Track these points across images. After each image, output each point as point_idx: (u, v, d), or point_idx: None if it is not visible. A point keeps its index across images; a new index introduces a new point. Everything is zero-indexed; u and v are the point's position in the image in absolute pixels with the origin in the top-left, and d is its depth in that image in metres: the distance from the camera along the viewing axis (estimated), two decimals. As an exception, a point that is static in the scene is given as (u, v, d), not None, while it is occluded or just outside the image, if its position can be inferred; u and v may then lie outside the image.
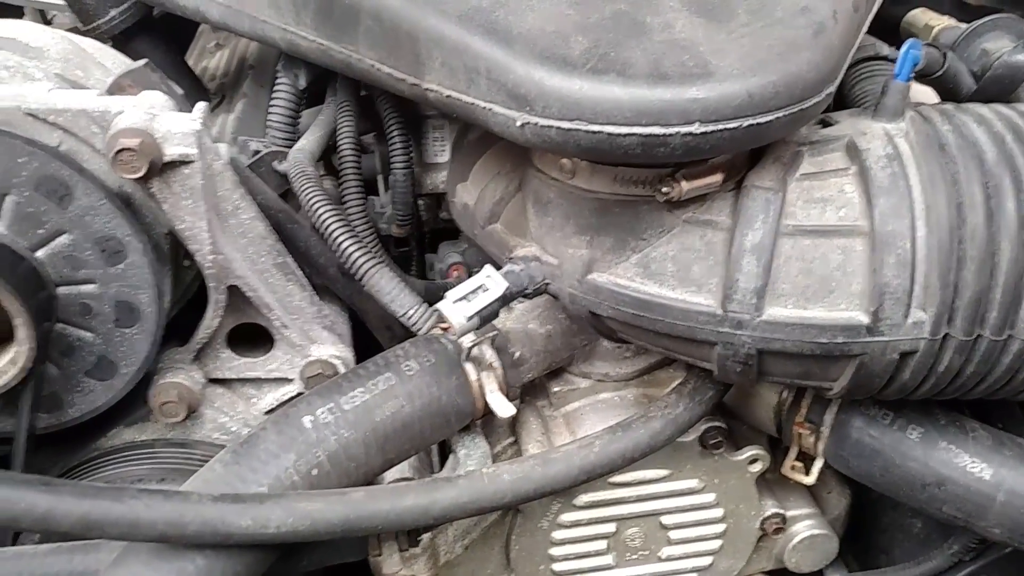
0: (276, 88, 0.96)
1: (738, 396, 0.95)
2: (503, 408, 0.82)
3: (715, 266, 0.70)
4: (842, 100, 1.01)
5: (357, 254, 0.80)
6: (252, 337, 0.97)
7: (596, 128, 0.62)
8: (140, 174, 0.75)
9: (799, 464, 0.92)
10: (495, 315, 0.76)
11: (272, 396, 0.99)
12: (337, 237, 0.81)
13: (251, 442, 0.76)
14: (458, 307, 0.73)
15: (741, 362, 0.72)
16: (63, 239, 0.81)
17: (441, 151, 1.00)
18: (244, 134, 1.13)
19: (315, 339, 0.96)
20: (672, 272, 0.71)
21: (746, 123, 0.61)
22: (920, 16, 1.34)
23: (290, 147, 0.95)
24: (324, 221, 0.82)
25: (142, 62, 0.85)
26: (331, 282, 1.00)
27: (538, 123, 0.64)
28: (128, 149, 0.73)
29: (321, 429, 0.76)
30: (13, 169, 0.77)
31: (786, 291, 0.69)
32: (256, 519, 0.67)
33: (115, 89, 0.83)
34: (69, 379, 0.87)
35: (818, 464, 0.91)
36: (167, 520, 0.65)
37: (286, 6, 0.81)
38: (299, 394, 0.97)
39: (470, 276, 1.03)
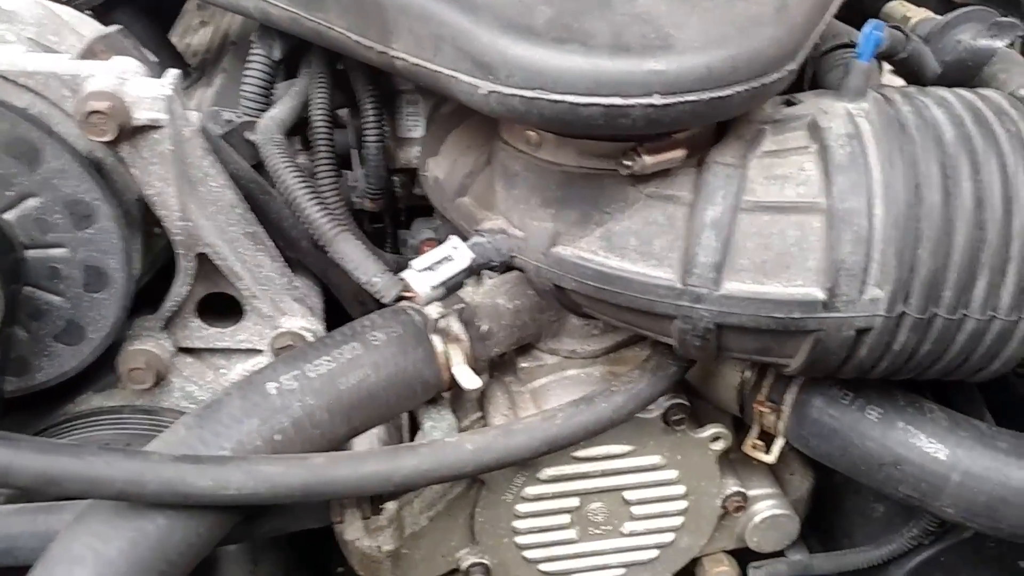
0: (250, 59, 0.96)
1: (702, 375, 0.96)
2: (469, 380, 0.83)
3: (676, 240, 0.71)
4: (818, 87, 1.02)
5: (321, 220, 0.80)
6: (223, 308, 0.97)
7: (558, 97, 0.62)
8: (109, 137, 0.75)
9: (760, 443, 0.93)
10: (460, 286, 0.76)
11: (241, 367, 1.00)
12: (302, 203, 0.81)
13: (215, 407, 0.76)
14: (423, 276, 0.74)
15: (700, 336, 0.73)
16: (32, 201, 0.81)
17: (415, 126, 1.00)
18: (222, 107, 1.14)
19: (285, 310, 0.97)
20: (634, 246, 0.72)
21: (706, 96, 0.62)
22: (898, 8, 1.36)
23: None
24: (289, 187, 0.82)
25: (115, 28, 0.85)
26: (303, 255, 1.00)
27: (502, 92, 0.64)
28: (98, 112, 0.74)
29: (286, 396, 0.77)
30: (-18, 130, 0.78)
31: (744, 266, 0.69)
32: (216, 480, 0.68)
33: (87, 54, 0.84)
34: (37, 343, 0.88)
35: (779, 443, 0.92)
36: (126, 478, 0.65)
37: (259, -25, 0.81)
38: (269, 365, 0.98)
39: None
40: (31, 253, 0.83)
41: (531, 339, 0.94)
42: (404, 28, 0.69)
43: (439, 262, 0.75)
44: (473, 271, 0.76)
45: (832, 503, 1.15)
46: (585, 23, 0.63)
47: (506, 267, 0.80)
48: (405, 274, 0.75)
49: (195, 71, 1.29)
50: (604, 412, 0.82)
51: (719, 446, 0.94)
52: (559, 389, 0.95)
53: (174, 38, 1.43)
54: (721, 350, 0.75)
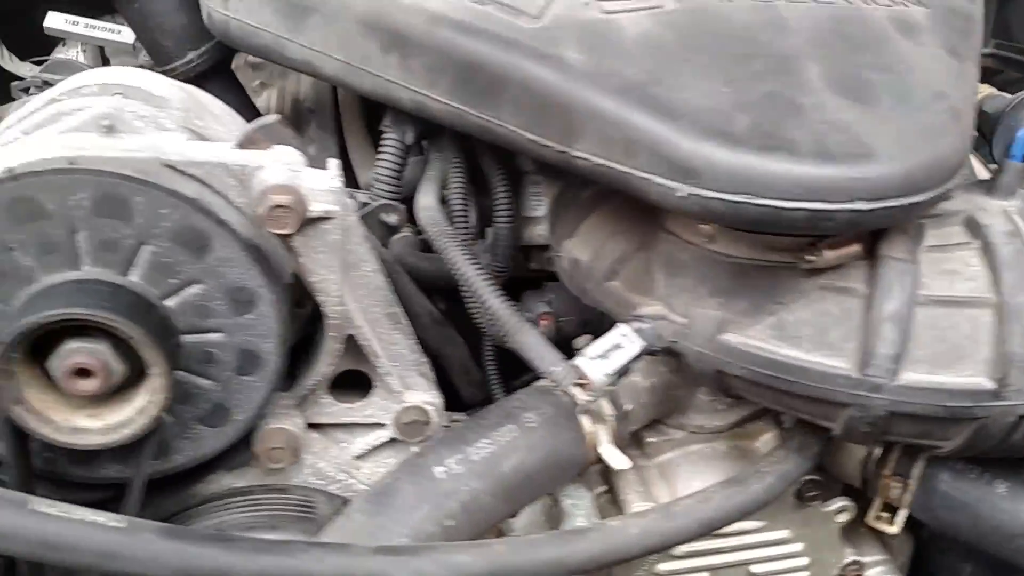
0: (383, 143, 0.98)
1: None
2: (618, 461, 0.85)
3: (852, 331, 0.74)
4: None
5: (506, 312, 0.82)
6: (346, 381, 0.98)
7: (765, 202, 0.65)
8: (291, 230, 0.76)
9: (884, 515, 0.96)
10: (628, 372, 0.79)
11: (363, 441, 1.00)
12: (484, 295, 0.84)
13: (387, 492, 0.77)
14: (597, 364, 0.76)
15: (870, 423, 0.75)
16: (195, 288, 0.82)
17: (538, 205, 1.03)
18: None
19: (411, 385, 0.97)
20: (808, 336, 0.75)
21: (906, 202, 0.65)
22: (960, 82, 1.42)
23: (397, 199, 0.98)
24: (470, 279, 0.85)
25: (275, 117, 0.86)
26: (422, 329, 1.02)
27: (702, 195, 0.67)
28: (282, 206, 0.75)
29: (453, 480, 0.78)
30: (154, 220, 0.78)
31: (920, 357, 0.73)
32: (413, 572, 0.69)
33: (247, 143, 0.85)
34: (181, 426, 0.88)
35: (902, 514, 0.95)
36: (336, 574, 0.66)
37: (419, 69, 0.83)
38: (391, 439, 0.99)
39: (557, 325, 1.07)
40: (188, 338, 0.84)
41: (663, 415, 0.96)
42: (592, 131, 0.72)
43: (611, 349, 0.77)
44: (641, 357, 0.78)
45: (920, 563, 1.18)
46: (786, 131, 0.66)
47: (664, 352, 0.82)
48: (579, 362, 0.77)
49: (280, 140, 1.30)
50: (758, 493, 0.84)
51: (844, 518, 0.97)
52: (686, 464, 0.97)
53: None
54: (885, 434, 0.78)
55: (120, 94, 0.89)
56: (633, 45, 0.75)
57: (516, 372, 1.11)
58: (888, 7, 0.84)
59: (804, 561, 0.98)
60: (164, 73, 1.18)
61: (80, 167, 0.76)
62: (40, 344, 0.76)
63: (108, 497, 0.87)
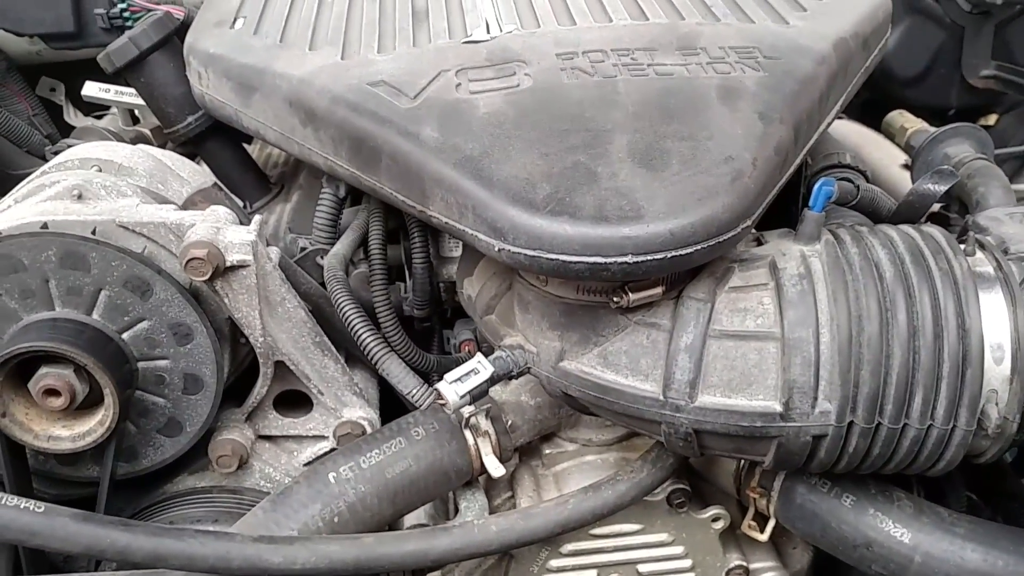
0: (321, 196, 1.16)
1: (705, 462, 1.10)
2: (495, 469, 0.99)
3: (659, 360, 0.86)
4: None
5: (372, 344, 0.98)
6: (295, 400, 1.16)
7: (553, 256, 0.79)
8: (206, 277, 0.94)
9: (754, 524, 1.06)
10: (484, 394, 0.92)
11: (310, 450, 1.17)
12: (358, 330, 1.00)
13: (286, 493, 0.94)
14: (453, 387, 0.90)
15: (682, 439, 0.87)
16: (143, 324, 1.01)
17: (455, 247, 1.18)
18: (298, 223, 1.34)
19: (346, 403, 1.14)
20: (625, 363, 0.87)
21: (669, 255, 0.77)
22: (897, 118, 1.50)
23: (331, 244, 1.14)
24: (348, 317, 1.01)
25: (210, 182, 1.05)
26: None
27: (510, 250, 0.81)
28: (197, 258, 0.93)
29: (343, 484, 0.94)
30: (107, 270, 0.98)
31: (714, 383, 0.84)
32: (286, 557, 0.85)
33: (188, 204, 1.04)
34: (144, 435, 1.07)
35: (771, 523, 1.05)
36: (217, 556, 0.82)
37: (327, 140, 1.00)
38: (332, 449, 1.16)
39: (480, 350, 1.21)
40: (141, 364, 1.03)
41: (553, 429, 1.10)
42: (438, 196, 0.87)
43: (467, 374, 0.92)
44: (495, 381, 0.92)
45: (843, 573, 1.26)
46: (575, 198, 0.79)
47: (521, 375, 0.95)
48: (439, 385, 0.91)
49: (275, 186, 1.50)
50: (609, 498, 0.96)
51: (719, 525, 1.08)
52: (578, 473, 1.10)
53: (254, 149, 1.65)
54: (702, 448, 0.89)
55: (96, 167, 1.09)
56: (479, 123, 0.89)
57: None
58: (725, 74, 0.95)
59: (687, 563, 1.09)
60: (169, 134, 1.40)
61: (49, 230, 0.96)
62: (25, 368, 0.97)
63: (91, 493, 1.07)
